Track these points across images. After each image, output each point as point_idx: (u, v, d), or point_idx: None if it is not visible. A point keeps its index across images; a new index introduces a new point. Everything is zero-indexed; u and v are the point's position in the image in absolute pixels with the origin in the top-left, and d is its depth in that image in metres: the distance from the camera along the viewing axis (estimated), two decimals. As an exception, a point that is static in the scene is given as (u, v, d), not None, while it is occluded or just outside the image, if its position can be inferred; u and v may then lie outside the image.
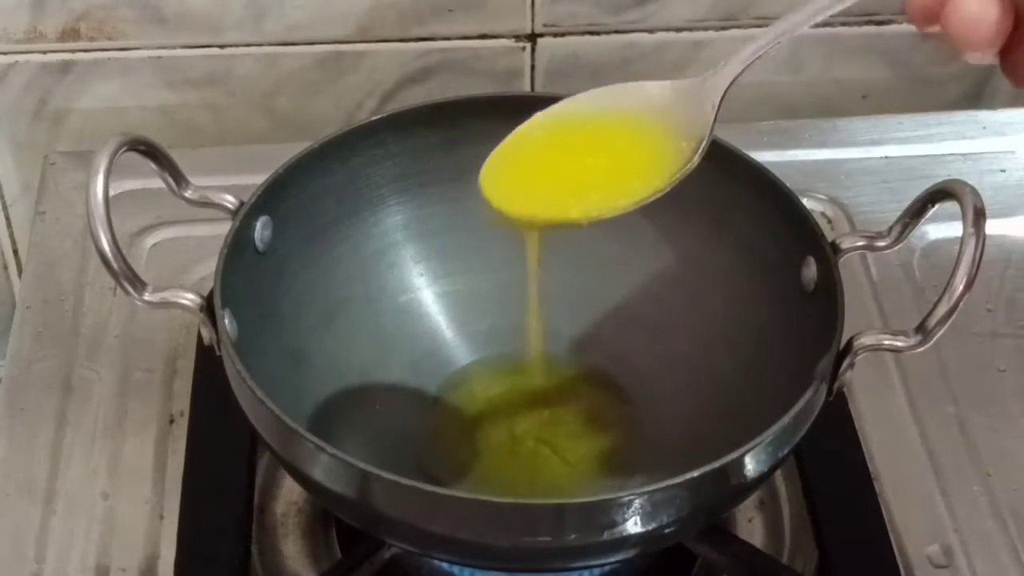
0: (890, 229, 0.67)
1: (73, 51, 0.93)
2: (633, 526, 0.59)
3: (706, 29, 0.96)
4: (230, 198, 0.68)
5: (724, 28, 0.96)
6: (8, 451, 0.75)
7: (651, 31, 0.96)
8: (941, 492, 0.74)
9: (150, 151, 0.65)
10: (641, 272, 0.78)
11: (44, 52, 0.93)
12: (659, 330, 0.77)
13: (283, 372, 0.69)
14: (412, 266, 0.78)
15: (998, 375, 0.80)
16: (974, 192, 0.62)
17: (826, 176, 0.92)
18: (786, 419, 0.61)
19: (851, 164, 0.93)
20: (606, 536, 0.59)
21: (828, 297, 0.65)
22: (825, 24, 0.95)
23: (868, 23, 0.97)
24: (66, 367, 0.79)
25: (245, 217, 0.68)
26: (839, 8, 0.58)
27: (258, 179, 0.70)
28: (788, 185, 0.71)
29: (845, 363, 0.64)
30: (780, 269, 0.71)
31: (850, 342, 0.64)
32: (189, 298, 0.64)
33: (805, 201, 0.70)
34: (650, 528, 0.59)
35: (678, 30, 0.96)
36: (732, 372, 0.73)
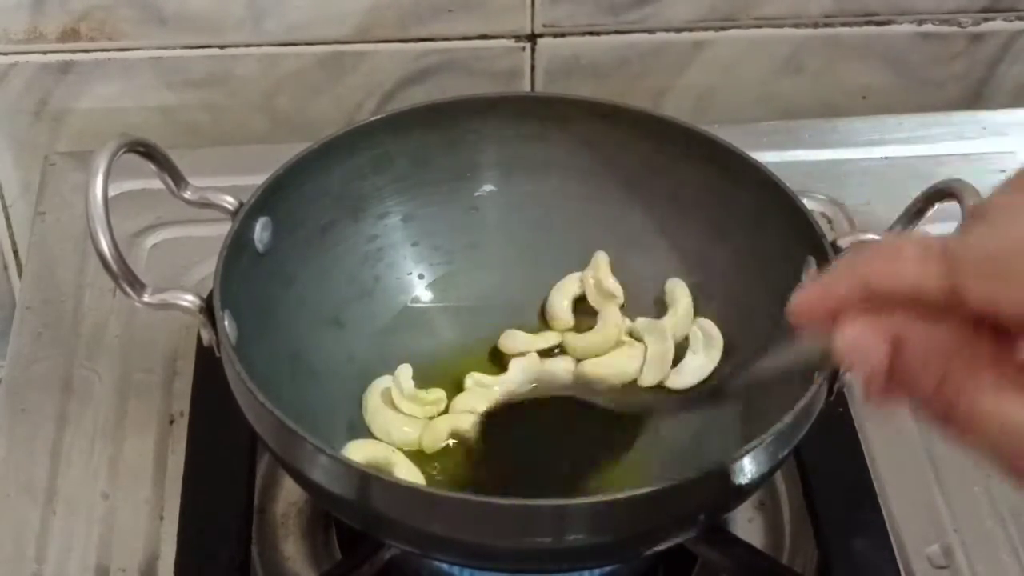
0: (890, 229, 0.67)
1: (73, 51, 0.93)
2: (633, 527, 0.59)
3: (706, 29, 0.96)
4: (229, 199, 0.68)
5: (724, 28, 0.96)
6: (8, 451, 0.75)
7: (651, 31, 0.96)
8: (941, 492, 0.74)
9: (149, 152, 0.65)
10: (641, 272, 0.78)
11: (44, 52, 0.93)
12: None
13: (283, 373, 0.69)
14: (412, 266, 0.78)
15: (998, 375, 0.80)
16: (975, 192, 0.62)
17: (826, 176, 0.92)
18: (786, 420, 0.61)
19: (851, 164, 0.93)
20: (606, 537, 0.59)
21: (828, 297, 0.65)
22: (825, 24, 0.96)
23: (868, 23, 0.97)
24: (66, 367, 0.79)
25: (245, 218, 0.68)
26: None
27: (258, 179, 0.70)
28: (788, 185, 0.71)
29: (845, 363, 0.64)
30: (780, 269, 0.71)
31: (850, 342, 0.64)
32: (189, 299, 0.64)
33: (805, 201, 0.70)
34: (650, 529, 0.59)
35: (678, 30, 0.96)
36: (732, 372, 0.73)
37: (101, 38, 0.93)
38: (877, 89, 1.00)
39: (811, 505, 0.72)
